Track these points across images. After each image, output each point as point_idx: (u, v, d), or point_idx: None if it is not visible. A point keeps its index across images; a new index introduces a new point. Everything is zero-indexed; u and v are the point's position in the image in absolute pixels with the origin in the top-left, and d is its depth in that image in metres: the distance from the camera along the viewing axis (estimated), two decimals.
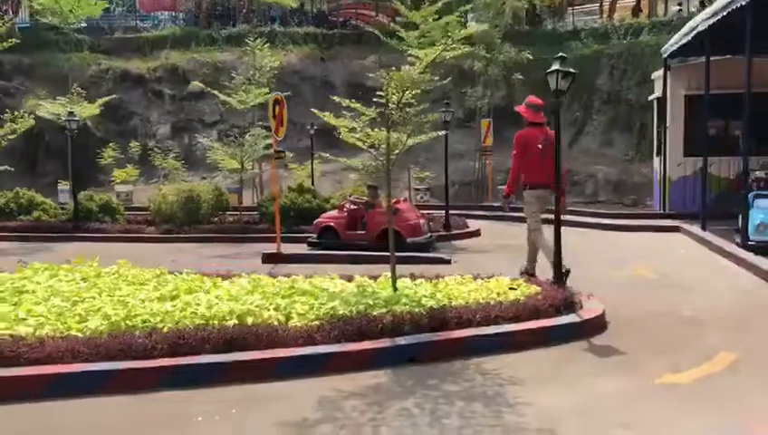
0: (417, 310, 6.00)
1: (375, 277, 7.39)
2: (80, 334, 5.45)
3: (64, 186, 20.11)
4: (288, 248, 11.42)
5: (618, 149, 21.91)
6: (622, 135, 22.15)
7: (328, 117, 7.20)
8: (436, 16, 7.18)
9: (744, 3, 9.75)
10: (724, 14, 10.62)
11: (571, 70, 6.78)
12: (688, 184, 15.22)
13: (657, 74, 16.57)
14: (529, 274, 8.04)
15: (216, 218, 15.70)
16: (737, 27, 10.31)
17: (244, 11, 30.21)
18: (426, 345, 5.63)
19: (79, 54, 24.46)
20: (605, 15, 27.71)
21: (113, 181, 21.50)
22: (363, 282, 7.06)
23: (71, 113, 15.32)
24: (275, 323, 5.72)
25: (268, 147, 15.31)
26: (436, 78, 6.74)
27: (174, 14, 31.49)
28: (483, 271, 7.81)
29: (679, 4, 26.07)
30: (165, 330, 5.45)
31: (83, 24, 24.79)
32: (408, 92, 6.59)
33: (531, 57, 19.93)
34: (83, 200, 15.61)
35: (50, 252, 12.20)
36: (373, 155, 6.93)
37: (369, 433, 4.20)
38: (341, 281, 7.20)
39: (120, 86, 25.25)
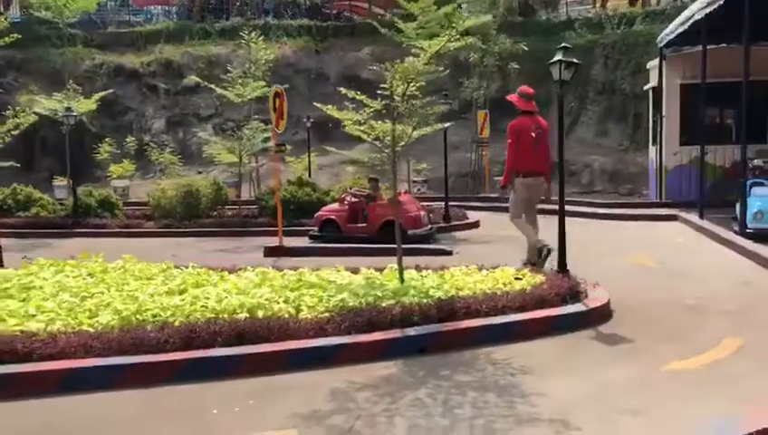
0: (425, 301, 6.05)
1: (380, 269, 7.44)
2: (91, 330, 5.48)
3: (60, 181, 20.06)
4: (289, 241, 11.46)
5: (613, 139, 22.02)
6: (617, 125, 22.27)
7: (331, 110, 7.21)
8: (435, 7, 7.18)
9: None
10: (721, 2, 10.67)
11: (575, 60, 6.83)
12: (684, 173, 15.32)
13: (653, 64, 16.64)
14: (531, 263, 8.10)
15: (215, 213, 15.72)
16: (733, 16, 10.37)
17: (238, 4, 30.15)
18: (436, 336, 5.68)
19: (72, 49, 24.35)
20: (598, 5, 27.77)
21: (110, 176, 21.46)
22: (370, 274, 7.11)
23: (68, 109, 15.27)
24: (286, 315, 5.76)
25: (266, 140, 15.34)
26: (441, 69, 6.76)
27: (167, 8, 31.36)
28: (484, 262, 7.87)
29: None
30: (176, 324, 5.48)
31: (75, 19, 24.67)
32: (412, 84, 6.60)
33: (526, 48, 19.97)
34: (82, 196, 15.59)
35: (50, 248, 12.20)
36: (378, 147, 6.95)
37: (383, 423, 4.24)
38: (348, 273, 7.24)
39: (114, 81, 25.18)
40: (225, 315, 5.70)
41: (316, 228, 12.30)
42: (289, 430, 4.14)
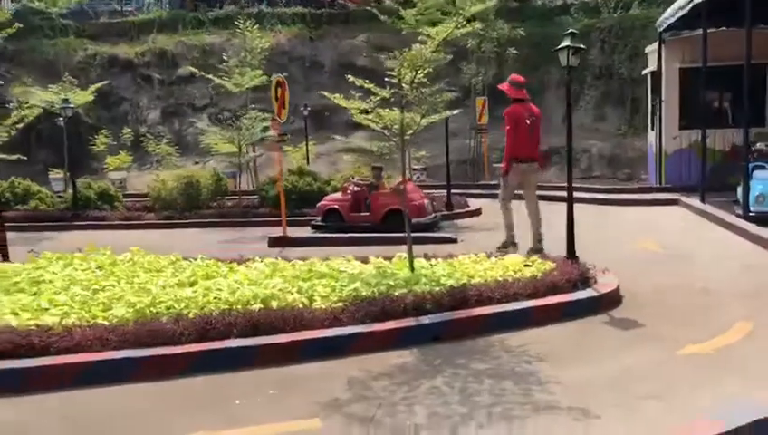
0: (437, 289, 6.07)
1: (388, 258, 7.46)
2: (106, 323, 5.47)
3: (56, 174, 19.95)
4: (291, 231, 11.43)
5: (611, 124, 22.00)
6: (615, 109, 22.24)
7: (338, 99, 7.18)
8: None
9: None
10: None
11: (581, 46, 6.82)
12: (684, 157, 15.35)
13: (651, 48, 16.62)
14: (537, 249, 8.15)
15: (215, 203, 15.67)
16: None
17: None
18: (449, 324, 5.71)
19: (64, 40, 24.13)
20: None
21: (106, 168, 21.35)
22: (380, 263, 7.11)
23: (65, 101, 15.16)
24: (300, 305, 5.77)
25: (265, 129, 15.28)
26: (450, 56, 6.74)
27: None
28: (489, 249, 7.96)
29: None
30: (191, 316, 5.48)
31: (67, 9, 24.42)
32: (420, 72, 6.58)
33: (523, 33, 19.91)
34: (82, 188, 15.51)
35: (51, 241, 12.15)
36: (386, 136, 6.93)
37: (403, 412, 4.26)
38: (358, 263, 7.25)
39: (108, 72, 24.96)
40: (239, 307, 5.70)
41: (319, 218, 12.27)
42: (312, 420, 4.16)
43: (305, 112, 20.87)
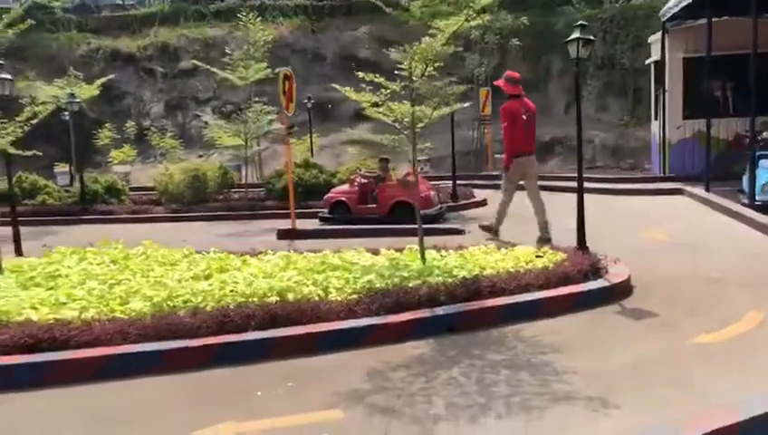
0: (450, 281, 6.13)
1: (399, 250, 7.52)
2: (124, 316, 5.53)
3: (61, 168, 20.00)
4: (298, 224, 11.49)
5: (613, 114, 22.04)
6: (617, 100, 22.28)
7: (348, 91, 7.22)
8: None
9: None
10: None
11: (591, 37, 6.85)
12: (687, 147, 15.38)
13: (654, 38, 16.63)
14: (545, 239, 8.36)
15: (221, 196, 15.73)
16: None
17: None
18: (463, 315, 5.76)
19: (67, 34, 24.16)
20: None
21: (110, 162, 21.40)
22: (392, 255, 7.17)
23: (71, 95, 15.19)
24: (315, 298, 5.83)
25: (270, 122, 15.33)
26: (461, 49, 6.77)
27: None
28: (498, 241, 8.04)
29: None
30: (209, 309, 5.54)
31: (69, 4, 24.46)
32: (430, 65, 6.62)
33: (527, 23, 19.89)
34: (89, 182, 15.57)
35: (60, 235, 12.21)
36: (397, 128, 6.98)
37: (422, 402, 4.32)
38: (369, 255, 7.31)
39: (110, 65, 25.01)
40: (256, 299, 5.76)
41: (326, 210, 12.33)
42: (334, 411, 4.23)
43: (309, 105, 20.88)
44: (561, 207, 8.71)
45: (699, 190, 12.72)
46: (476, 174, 19.03)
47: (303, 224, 11.80)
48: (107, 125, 21.94)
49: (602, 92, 22.64)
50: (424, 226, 10.20)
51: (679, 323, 5.57)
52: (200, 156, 22.20)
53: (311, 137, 20.35)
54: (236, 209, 14.54)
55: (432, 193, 11.96)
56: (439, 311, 5.76)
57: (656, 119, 16.67)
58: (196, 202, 14.85)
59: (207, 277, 6.55)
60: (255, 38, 18.84)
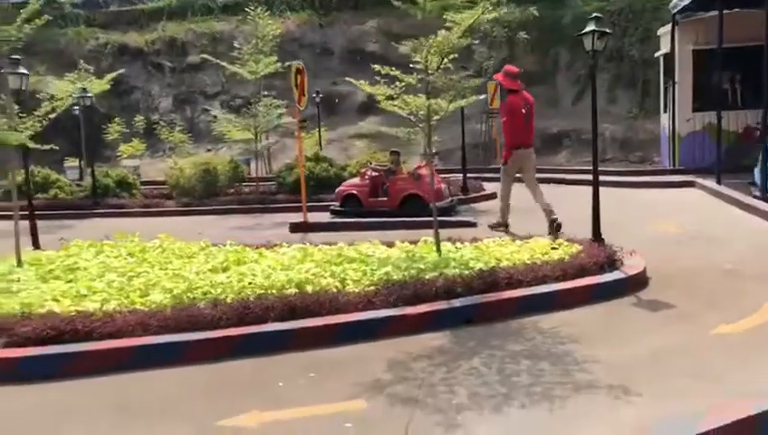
0: (466, 272, 6.15)
1: (413, 242, 7.55)
2: (144, 308, 5.58)
3: (71, 163, 20.09)
4: (310, 217, 11.53)
5: (622, 107, 21.99)
6: (626, 92, 22.23)
7: (364, 85, 7.24)
8: None
9: None
10: None
11: (607, 30, 6.85)
12: (697, 139, 15.37)
13: (664, 30, 16.58)
14: (503, 225, 9.18)
15: (232, 190, 15.79)
16: None
17: None
18: (481, 307, 5.79)
19: (75, 29, 24.22)
20: None
21: (120, 156, 21.48)
22: (407, 247, 7.20)
23: (84, 90, 15.26)
24: (333, 290, 5.87)
25: (280, 116, 15.37)
26: (477, 42, 6.78)
27: None
28: (512, 233, 8.06)
29: None
30: (229, 300, 5.59)
31: None
32: (446, 58, 6.64)
33: (537, 14, 19.85)
34: (100, 176, 15.65)
35: (74, 229, 12.30)
36: (412, 121, 7.00)
37: (444, 392, 4.36)
38: (384, 247, 7.35)
39: (119, 60, 25.09)
40: (274, 291, 5.80)
41: (337, 203, 12.37)
42: (357, 401, 4.27)
43: (317, 99, 20.91)
44: (572, 200, 8.76)
45: (710, 183, 12.70)
46: (485, 167, 19.02)
47: (314, 217, 11.84)
48: (116, 119, 22.00)
49: (611, 85, 22.59)
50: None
51: (697, 315, 5.59)
52: (209, 150, 22.27)
53: (319, 131, 20.38)
54: (247, 203, 14.61)
55: (443, 186, 11.98)
56: (456, 302, 5.79)
57: (665, 111, 16.64)
58: (208, 196, 14.92)
59: (225, 270, 6.59)
60: (264, 32, 18.90)
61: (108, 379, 4.85)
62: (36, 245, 8.88)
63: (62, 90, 16.99)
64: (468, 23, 6.56)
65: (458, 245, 7.30)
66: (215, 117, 18.82)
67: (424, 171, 11.75)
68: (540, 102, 20.55)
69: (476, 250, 6.98)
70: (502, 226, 9.31)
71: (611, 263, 6.59)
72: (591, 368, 4.58)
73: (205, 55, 20.59)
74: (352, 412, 4.12)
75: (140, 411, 4.34)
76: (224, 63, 17.08)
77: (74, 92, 16.00)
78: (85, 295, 5.88)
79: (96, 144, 21.55)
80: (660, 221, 9.93)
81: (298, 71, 10.82)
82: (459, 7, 6.78)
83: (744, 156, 13.77)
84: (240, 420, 4.09)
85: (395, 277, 6.05)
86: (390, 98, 6.98)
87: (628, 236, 8.27)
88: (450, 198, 12.12)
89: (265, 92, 17.87)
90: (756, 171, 10.95)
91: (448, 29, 6.68)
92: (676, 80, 15.53)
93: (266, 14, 19.46)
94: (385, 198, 11.90)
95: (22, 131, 7.26)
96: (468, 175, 15.36)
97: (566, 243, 7.11)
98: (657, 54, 17.39)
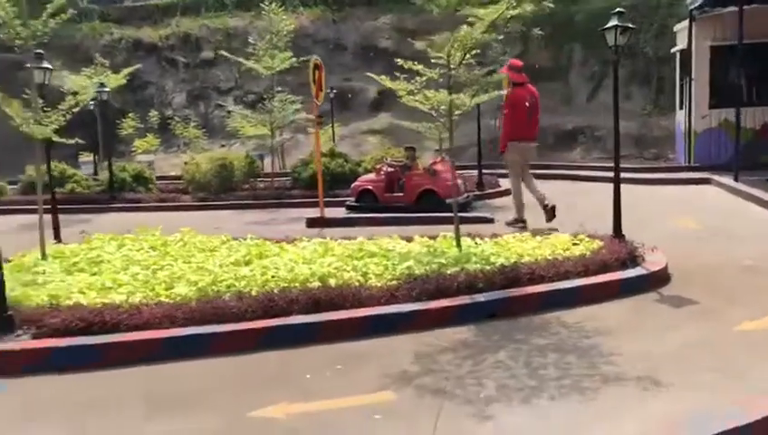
0: (488, 268, 6.17)
1: (433, 237, 7.57)
2: (170, 301, 5.63)
3: (86, 158, 20.20)
4: (325, 212, 11.57)
5: (636, 103, 21.87)
6: (640, 89, 22.10)
7: (384, 80, 7.26)
8: None
9: None
10: None
11: (630, 25, 6.84)
12: (714, 136, 15.31)
13: (681, 26, 16.50)
14: (521, 221, 9.30)
15: (247, 185, 15.85)
16: None
17: None
18: (504, 301, 5.81)
19: (90, 24, 24.34)
20: None
21: (134, 151, 21.60)
22: (427, 242, 7.23)
23: (101, 85, 15.35)
24: (356, 283, 5.90)
25: (295, 112, 15.42)
26: (501, 37, 6.79)
27: None
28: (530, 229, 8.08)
29: None
30: (254, 293, 5.63)
31: None
32: (469, 53, 6.65)
33: (552, 5, 19.74)
34: (117, 171, 15.76)
35: (92, 223, 12.37)
36: (434, 116, 7.02)
37: (472, 384, 4.38)
38: (404, 242, 7.37)
39: (133, 55, 25.18)
40: (298, 284, 5.84)
41: (353, 199, 12.40)
42: (385, 392, 4.30)
43: (331, 95, 20.93)
44: (589, 197, 8.76)
45: (728, 179, 12.66)
46: (499, 163, 18.95)
47: (330, 212, 11.86)
48: (130, 115, 22.10)
49: (626, 81, 22.40)
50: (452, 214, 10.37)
51: (720, 311, 5.58)
52: (222, 145, 22.35)
53: (333, 126, 20.41)
54: (263, 198, 14.67)
55: (459, 181, 11.97)
56: (480, 297, 5.81)
57: (681, 108, 16.57)
58: (223, 191, 15.00)
59: (248, 263, 6.64)
60: (278, 28, 18.92)
61: (138, 369, 4.90)
62: (58, 238, 8.96)
63: (79, 84, 17.07)
64: (492, 18, 6.57)
65: (478, 240, 7.31)
66: (229, 112, 18.88)
67: (439, 167, 11.77)
68: (553, 99, 20.54)
69: (497, 246, 6.99)
70: (519, 222, 9.38)
71: (633, 259, 6.59)
72: (618, 361, 4.59)
73: (221, 51, 20.65)
74: (381, 404, 4.15)
75: (171, 402, 4.38)
76: (239, 59, 17.13)
77: (93, 87, 16.09)
78: (110, 288, 5.95)
79: (111, 139, 21.67)
80: (679, 218, 9.92)
81: (316, 66, 10.85)
82: (477, 3, 6.78)
83: (762, 153, 13.74)
84: (270, 412, 4.12)
85: (417, 272, 6.07)
86: (411, 93, 6.99)
87: (647, 232, 8.25)
88: (466, 194, 12.12)
89: (279, 88, 17.91)
90: None
91: (471, 24, 6.68)
92: (693, 76, 15.46)
93: (280, 9, 19.51)
94: (401, 194, 11.92)
95: (47, 125, 7.32)
96: (483, 171, 15.34)
97: (587, 239, 7.10)
98: (673, 50, 17.32)
